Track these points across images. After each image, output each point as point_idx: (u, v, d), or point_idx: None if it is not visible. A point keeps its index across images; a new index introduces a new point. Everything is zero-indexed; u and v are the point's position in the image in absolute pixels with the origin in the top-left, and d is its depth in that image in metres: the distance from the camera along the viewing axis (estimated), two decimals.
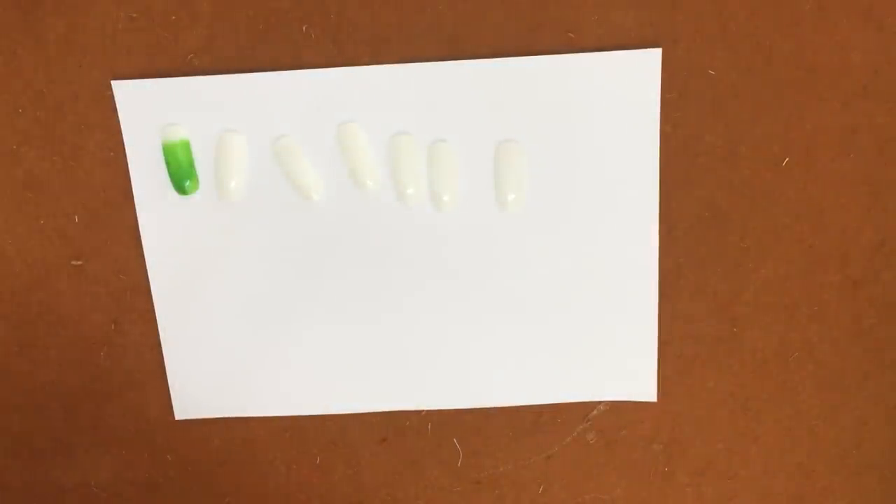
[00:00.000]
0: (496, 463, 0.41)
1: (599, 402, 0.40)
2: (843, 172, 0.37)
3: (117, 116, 0.37)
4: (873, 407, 0.40)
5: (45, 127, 0.37)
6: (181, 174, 0.37)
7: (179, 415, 0.41)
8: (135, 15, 0.36)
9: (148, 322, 0.39)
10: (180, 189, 0.37)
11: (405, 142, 0.37)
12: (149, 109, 0.36)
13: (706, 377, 0.39)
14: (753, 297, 0.38)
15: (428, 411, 0.40)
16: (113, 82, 0.36)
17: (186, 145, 0.37)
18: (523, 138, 0.36)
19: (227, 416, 0.41)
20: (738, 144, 0.36)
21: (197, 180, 0.37)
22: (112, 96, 0.36)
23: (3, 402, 0.41)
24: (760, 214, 0.37)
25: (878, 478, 0.41)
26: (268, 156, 0.37)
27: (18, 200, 0.38)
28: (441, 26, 0.35)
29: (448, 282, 0.38)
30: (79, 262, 0.39)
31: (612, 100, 0.36)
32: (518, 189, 0.37)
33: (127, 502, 0.42)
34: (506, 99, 0.36)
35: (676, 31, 0.35)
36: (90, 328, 0.40)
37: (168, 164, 0.37)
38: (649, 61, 0.35)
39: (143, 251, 0.38)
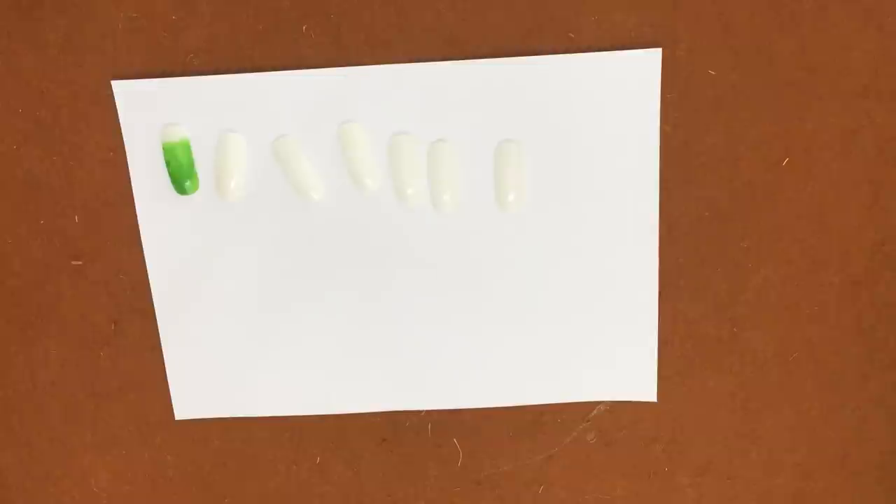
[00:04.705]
0: (496, 463, 0.41)
1: (599, 402, 0.40)
2: (843, 172, 0.37)
3: (117, 116, 0.37)
4: (873, 407, 0.40)
5: (45, 127, 0.37)
6: (181, 174, 0.37)
7: (179, 415, 0.41)
8: (135, 15, 0.36)
9: (148, 322, 0.39)
10: (180, 189, 0.37)
11: (405, 142, 0.37)
12: (149, 109, 0.36)
13: (706, 377, 0.39)
14: (753, 297, 0.38)
15: (428, 411, 0.40)
16: (113, 82, 0.36)
17: (186, 145, 0.37)
18: (523, 138, 0.36)
19: (227, 416, 0.41)
20: (738, 144, 0.36)
21: (197, 180, 0.37)
22: (112, 96, 0.36)
23: (3, 401, 0.41)
24: (760, 214, 0.37)
25: (878, 478, 0.41)
26: (268, 156, 0.37)
27: (18, 200, 0.38)
28: (441, 26, 0.35)
29: (448, 281, 0.38)
30: (79, 262, 0.39)
31: (612, 100, 0.36)
32: (518, 189, 0.37)
33: (127, 502, 0.42)
34: (506, 99, 0.36)
35: (676, 31, 0.35)
36: (90, 328, 0.40)
37: (168, 164, 0.37)
38: (649, 61, 0.35)
39: (143, 251, 0.38)
